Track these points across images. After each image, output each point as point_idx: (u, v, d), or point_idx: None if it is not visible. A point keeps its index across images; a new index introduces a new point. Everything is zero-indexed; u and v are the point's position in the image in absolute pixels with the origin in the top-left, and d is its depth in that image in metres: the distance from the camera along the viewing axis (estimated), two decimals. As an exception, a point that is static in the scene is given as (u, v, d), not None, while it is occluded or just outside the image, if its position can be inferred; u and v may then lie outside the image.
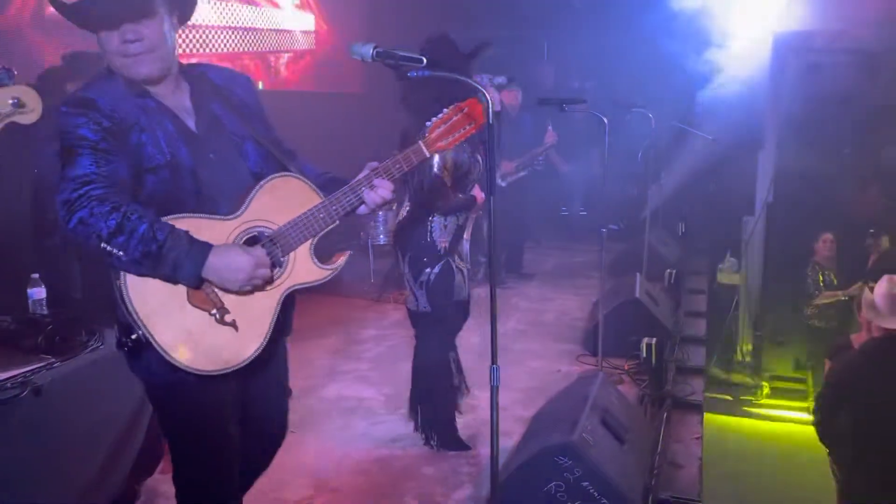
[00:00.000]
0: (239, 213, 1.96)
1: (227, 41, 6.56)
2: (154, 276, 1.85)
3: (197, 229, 1.88)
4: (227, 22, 6.57)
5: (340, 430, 3.87)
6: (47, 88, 4.34)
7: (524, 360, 4.86)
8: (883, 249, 5.73)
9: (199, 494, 2.16)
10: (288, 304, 2.08)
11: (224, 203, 1.98)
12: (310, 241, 2.03)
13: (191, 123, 2.00)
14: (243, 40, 6.79)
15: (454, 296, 3.56)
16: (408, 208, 3.48)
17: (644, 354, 4.27)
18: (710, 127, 7.09)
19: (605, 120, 4.21)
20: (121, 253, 1.78)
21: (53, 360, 2.88)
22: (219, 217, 1.95)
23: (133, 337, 1.88)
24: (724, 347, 6.97)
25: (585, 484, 2.77)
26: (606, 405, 3.25)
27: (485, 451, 3.63)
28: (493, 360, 2.22)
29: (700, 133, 7.44)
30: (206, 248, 1.86)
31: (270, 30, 7.36)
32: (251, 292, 1.96)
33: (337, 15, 8.37)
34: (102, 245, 1.77)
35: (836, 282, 6.14)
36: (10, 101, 1.37)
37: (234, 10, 6.71)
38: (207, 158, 1.99)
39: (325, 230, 2.04)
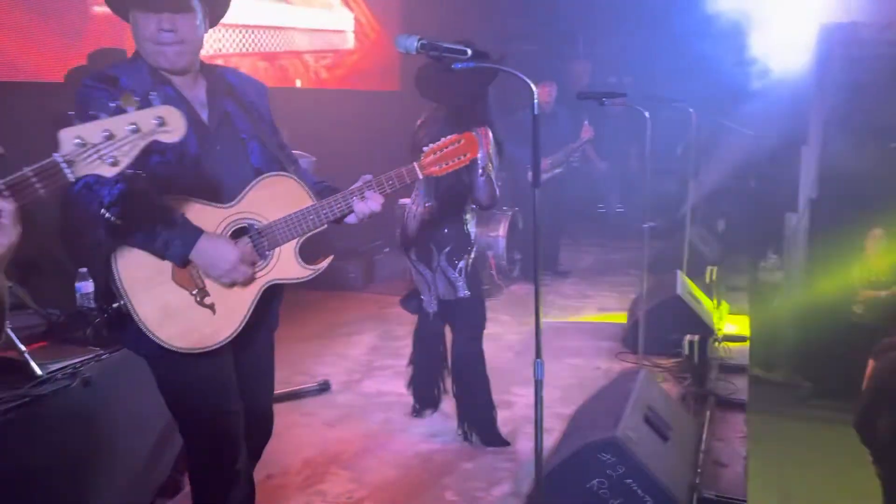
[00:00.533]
0: (233, 203, 2.07)
1: (263, 41, 6.63)
2: (144, 249, 1.95)
3: (191, 212, 1.99)
4: (264, 22, 6.63)
5: (380, 424, 3.88)
6: (74, 86, 4.49)
7: (562, 357, 4.82)
8: None
9: (205, 465, 2.22)
10: (270, 297, 2.16)
11: (224, 194, 2.08)
12: (296, 240, 2.13)
13: (204, 116, 2.10)
14: (280, 40, 6.85)
15: (482, 282, 3.78)
16: (433, 206, 3.51)
17: (686, 352, 4.21)
18: (753, 122, 6.96)
19: (647, 114, 4.14)
20: (119, 222, 1.87)
21: (101, 351, 2.94)
22: (214, 204, 2.04)
23: (115, 305, 1.97)
24: (766, 346, 6.83)
25: (629, 481, 2.73)
26: (649, 402, 3.20)
27: (524, 447, 3.61)
28: (538, 354, 2.20)
29: (740, 128, 7.32)
30: (198, 232, 1.97)
31: (308, 30, 7.43)
32: (230, 285, 2.05)
33: (375, 12, 8.40)
34: (102, 211, 1.85)
35: (883, 279, 5.97)
36: (154, 120, 1.44)
37: (271, 8, 6.77)
38: (214, 150, 2.09)
39: (312, 232, 2.14)
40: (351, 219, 2.22)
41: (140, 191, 1.88)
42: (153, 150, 1.90)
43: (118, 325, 2.03)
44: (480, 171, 3.21)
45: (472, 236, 3.55)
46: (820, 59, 6.70)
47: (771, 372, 6.80)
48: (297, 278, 2.16)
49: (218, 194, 2.06)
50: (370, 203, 2.17)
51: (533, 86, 2.06)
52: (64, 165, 1.37)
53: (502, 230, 6.52)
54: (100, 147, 1.40)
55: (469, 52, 2.09)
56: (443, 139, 2.28)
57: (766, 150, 7.43)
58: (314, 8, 7.42)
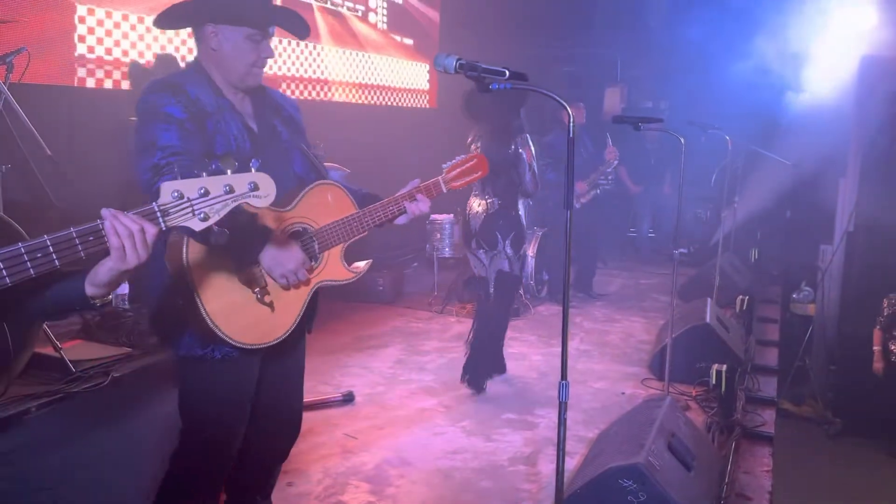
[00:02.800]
0: (290, 207, 2.23)
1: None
2: (218, 247, 1.98)
3: (261, 215, 2.11)
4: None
5: (402, 439, 3.88)
6: (137, 79, 4.70)
7: (587, 380, 4.79)
8: None
9: (194, 475, 2.31)
10: (315, 301, 2.32)
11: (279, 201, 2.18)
12: (342, 245, 2.34)
13: (253, 126, 2.29)
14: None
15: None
16: (496, 202, 4.30)
17: (713, 381, 4.15)
18: (791, 151, 6.89)
19: (682, 140, 4.13)
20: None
21: (133, 351, 3.00)
22: (274, 208, 2.17)
23: (180, 303, 2.03)
24: (797, 380, 6.71)
25: (650, 509, 2.70)
26: (674, 430, 3.17)
27: (545, 468, 3.59)
28: (563, 376, 2.20)
29: (778, 157, 7.25)
30: (270, 233, 2.10)
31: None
32: (287, 287, 2.18)
33: (413, 34, 8.50)
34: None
35: (919, 318, 5.85)
36: (248, 185, 1.54)
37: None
38: (264, 157, 2.17)
39: (358, 237, 2.36)
40: (401, 220, 2.47)
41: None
42: (214, 156, 2.05)
43: (172, 323, 2.13)
44: (528, 167, 4.18)
45: (525, 224, 4.63)
46: (860, 91, 6.62)
47: (800, 407, 6.68)
48: (344, 280, 2.35)
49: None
50: (420, 205, 2.46)
51: (568, 108, 2.08)
52: (159, 214, 1.47)
53: (531, 250, 6.52)
54: (195, 202, 1.49)
55: (507, 72, 2.11)
56: (458, 158, 2.69)
57: (802, 181, 7.34)
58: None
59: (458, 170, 2.65)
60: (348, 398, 4.31)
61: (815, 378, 6.77)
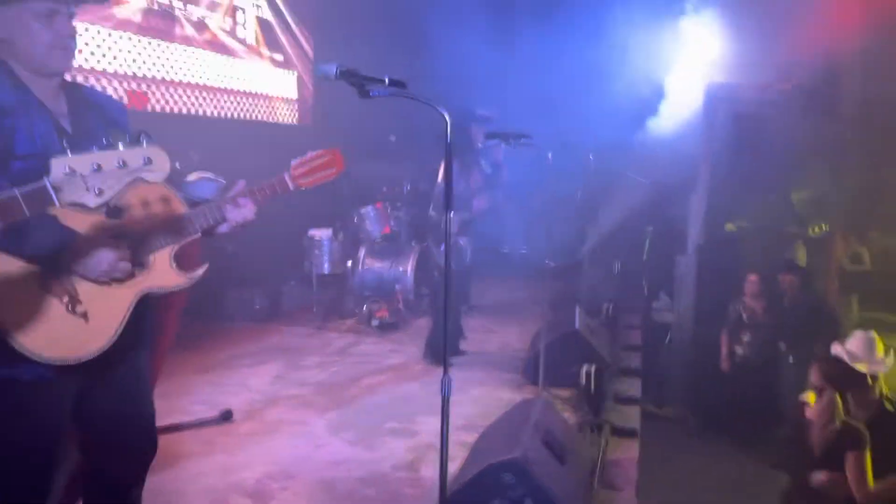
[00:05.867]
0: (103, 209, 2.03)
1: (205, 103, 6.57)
2: (13, 254, 1.87)
3: (62, 216, 1.92)
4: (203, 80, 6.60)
5: (283, 453, 3.83)
6: None
7: (467, 387, 4.91)
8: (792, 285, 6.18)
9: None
10: (143, 311, 2.13)
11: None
12: (171, 248, 2.15)
13: (66, 125, 2.09)
14: (220, 103, 6.80)
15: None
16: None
17: (583, 382, 4.39)
18: (648, 170, 7.39)
19: (550, 155, 4.38)
20: None
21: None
22: (84, 210, 1.98)
23: None
24: (657, 382, 7.16)
25: (528, 501, 2.83)
26: (548, 426, 3.34)
27: (427, 473, 3.66)
28: (445, 371, 2.28)
29: (636, 176, 7.76)
30: (71, 234, 1.93)
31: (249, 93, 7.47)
32: (109, 283, 2.01)
33: (284, 52, 8.46)
34: None
35: (761, 319, 6.43)
36: (142, 159, 1.53)
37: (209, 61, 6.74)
38: None
39: (187, 240, 2.17)
40: (223, 228, 2.24)
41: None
42: (16, 157, 1.93)
43: None
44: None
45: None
46: (707, 115, 7.24)
47: (661, 408, 7.13)
48: (174, 286, 2.16)
49: None
50: (244, 210, 2.22)
51: (446, 116, 2.18)
52: (52, 191, 1.45)
53: (410, 265, 6.62)
54: (88, 178, 1.48)
55: (386, 80, 2.19)
56: (310, 153, 2.39)
57: (660, 197, 7.89)
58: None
59: (308, 166, 2.37)
60: (226, 416, 4.20)
61: (673, 380, 7.25)
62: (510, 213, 9.13)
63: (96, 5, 2.23)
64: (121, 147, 1.52)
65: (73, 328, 1.97)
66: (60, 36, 2.01)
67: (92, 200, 1.49)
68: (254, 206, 2.24)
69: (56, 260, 1.92)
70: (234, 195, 2.23)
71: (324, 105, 8.90)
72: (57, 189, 1.46)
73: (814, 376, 3.88)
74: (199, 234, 2.19)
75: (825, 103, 6.72)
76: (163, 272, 2.14)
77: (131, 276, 2.05)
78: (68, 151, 1.80)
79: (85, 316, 1.99)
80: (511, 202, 8.90)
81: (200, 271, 2.22)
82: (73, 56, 2.09)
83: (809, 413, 3.85)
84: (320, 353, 5.63)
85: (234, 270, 6.76)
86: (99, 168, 1.49)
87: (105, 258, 1.96)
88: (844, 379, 3.76)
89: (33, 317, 1.89)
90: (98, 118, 2.18)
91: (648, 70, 7.68)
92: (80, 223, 1.96)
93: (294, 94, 8.74)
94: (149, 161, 1.55)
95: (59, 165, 1.46)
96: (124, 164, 1.52)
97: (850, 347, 3.83)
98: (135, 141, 1.55)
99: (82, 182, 1.48)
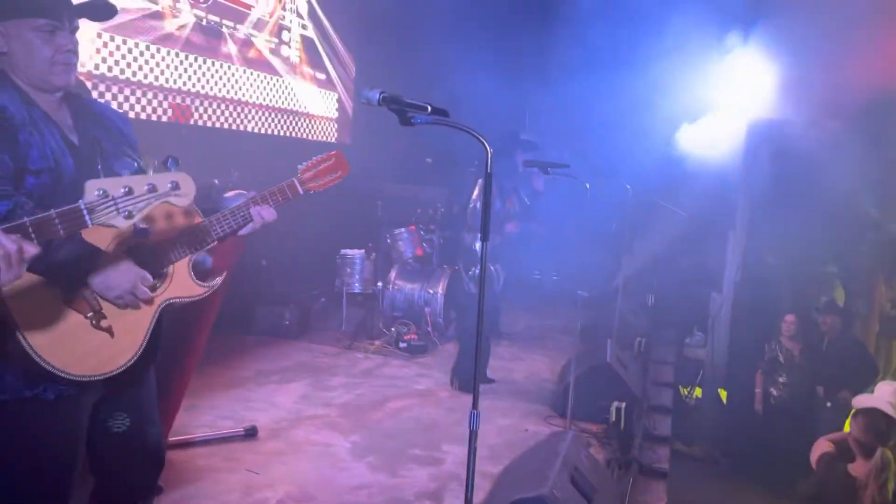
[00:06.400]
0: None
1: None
2: (38, 273, 1.84)
3: (85, 232, 1.87)
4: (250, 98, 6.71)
5: (306, 474, 3.80)
6: None
7: (492, 417, 4.85)
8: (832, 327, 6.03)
9: None
10: (159, 325, 2.11)
11: None
12: (189, 257, 2.15)
13: (74, 138, 2.08)
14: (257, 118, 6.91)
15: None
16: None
17: (613, 418, 4.30)
18: (686, 204, 7.30)
19: (588, 185, 4.33)
20: None
21: None
22: (107, 224, 1.98)
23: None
24: (689, 421, 7.01)
25: (553, 540, 2.76)
26: (576, 463, 3.26)
27: (450, 504, 3.60)
28: (474, 404, 2.24)
29: (674, 208, 7.67)
30: (97, 251, 1.92)
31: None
32: (124, 307, 2.00)
33: (326, 71, 8.56)
34: None
35: (797, 360, 6.27)
36: (169, 184, 1.60)
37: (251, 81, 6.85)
38: (89, 172, 2.02)
39: (205, 248, 2.18)
40: (246, 230, 2.26)
41: (28, 210, 1.78)
42: (28, 171, 1.92)
43: None
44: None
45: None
46: (748, 151, 7.14)
47: (691, 446, 6.97)
48: (193, 295, 2.17)
49: None
50: (264, 212, 2.26)
51: (488, 146, 2.16)
52: (85, 212, 1.50)
53: (441, 287, 6.60)
54: (118, 200, 1.53)
55: (429, 108, 2.18)
56: (316, 157, 2.44)
57: (697, 232, 7.78)
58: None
59: (314, 170, 2.42)
60: (251, 433, 4.20)
61: (705, 419, 7.09)
62: (544, 240, 9.09)
63: (102, 21, 2.19)
64: (151, 172, 1.60)
65: (99, 343, 1.96)
66: (62, 51, 2.00)
67: (122, 223, 1.55)
68: (273, 209, 2.30)
69: (78, 276, 1.91)
70: (246, 203, 2.26)
71: (363, 125, 8.99)
72: (90, 210, 1.51)
73: (857, 430, 3.74)
74: (216, 242, 2.20)
75: (871, 141, 6.58)
76: (182, 282, 2.15)
77: (150, 300, 2.05)
78: (101, 174, 1.86)
79: (110, 330, 1.98)
80: (545, 228, 8.89)
81: (219, 280, 2.22)
82: (74, 71, 2.08)
83: (856, 471, 3.71)
84: (347, 372, 5.61)
85: (265, 286, 6.81)
86: (130, 191, 1.54)
87: (126, 279, 1.95)
88: (892, 433, 3.62)
89: (58, 334, 1.88)
90: (101, 129, 2.17)
91: (689, 104, 7.61)
92: (102, 239, 1.96)
93: (334, 113, 8.84)
94: (176, 186, 1.60)
95: (92, 187, 1.51)
96: (154, 189, 1.57)
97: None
98: (161, 166, 1.62)
99: (113, 204, 1.53)
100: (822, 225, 6.43)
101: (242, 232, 2.26)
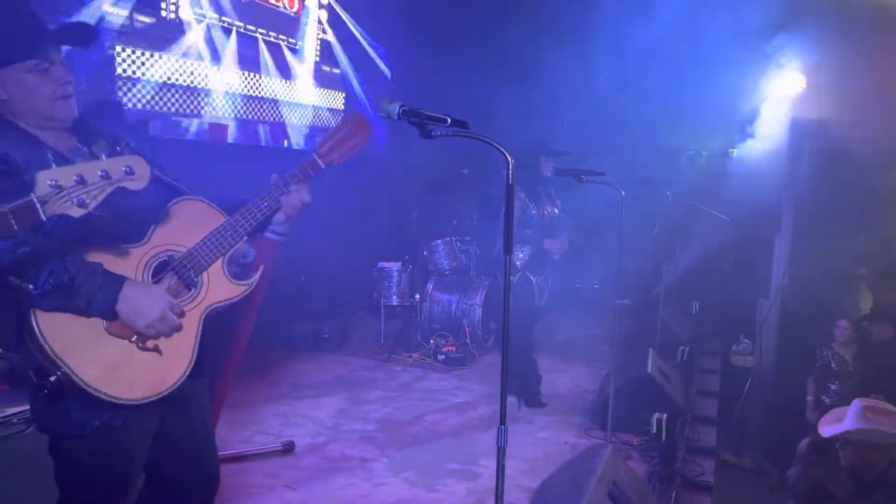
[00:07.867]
0: (144, 240, 2.00)
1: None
2: (66, 310, 1.83)
3: (105, 260, 1.91)
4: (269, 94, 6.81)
5: (342, 489, 3.79)
6: None
7: (532, 430, 4.78)
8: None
9: None
10: (205, 334, 2.07)
11: (129, 237, 2.00)
12: (221, 259, 2.10)
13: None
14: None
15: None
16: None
17: (654, 430, 4.20)
18: (729, 208, 7.13)
19: (623, 193, 4.25)
20: (30, 286, 1.77)
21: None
22: (125, 246, 1.97)
23: (52, 379, 1.83)
24: (736, 431, 6.81)
25: (590, 558, 2.69)
26: (614, 478, 3.17)
27: (487, 520, 3.55)
28: (502, 421, 2.19)
29: (716, 213, 7.49)
30: (121, 280, 1.88)
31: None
32: (156, 336, 1.95)
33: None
34: (11, 278, 1.77)
35: (851, 367, 6.04)
36: (124, 169, 1.58)
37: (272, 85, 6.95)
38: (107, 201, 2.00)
39: (235, 246, 2.11)
40: (279, 217, 2.20)
41: (48, 250, 1.79)
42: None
43: (52, 403, 1.90)
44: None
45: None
46: (791, 151, 6.94)
47: (740, 458, 6.76)
48: (234, 297, 2.11)
49: (122, 238, 1.98)
50: (298, 194, 2.18)
51: (509, 157, 2.12)
52: (38, 205, 1.47)
53: (479, 298, 6.55)
54: (71, 190, 1.51)
55: (448, 120, 2.15)
56: (332, 128, 2.32)
57: (740, 236, 7.59)
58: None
59: (332, 141, 2.26)
60: (288, 448, 4.21)
61: (753, 429, 6.88)
62: (584, 248, 8.97)
63: (85, 46, 2.12)
64: (103, 157, 1.55)
65: (149, 364, 1.95)
66: (59, 84, 1.97)
67: (75, 212, 1.51)
68: (306, 186, 2.21)
69: (105, 309, 1.88)
70: (286, 181, 2.18)
71: (398, 136, 9.01)
72: (42, 202, 1.48)
73: None
74: (245, 238, 2.13)
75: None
76: (219, 286, 2.09)
77: (179, 328, 2.00)
78: (52, 165, 1.71)
79: (157, 349, 1.96)
80: (584, 236, 8.78)
81: (256, 276, 2.16)
82: (74, 103, 2.03)
83: None
84: (385, 386, 5.60)
85: (304, 301, 6.86)
86: (82, 180, 1.52)
87: (154, 307, 1.92)
88: None
89: (106, 363, 1.88)
90: (108, 148, 2.12)
91: (732, 107, 7.45)
92: (123, 263, 1.94)
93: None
94: (130, 170, 1.57)
95: (43, 179, 1.48)
96: (107, 175, 1.54)
97: None
98: (113, 150, 1.59)
99: (66, 194, 1.50)
100: (871, 228, 6.21)
101: (277, 229, 2.22)
